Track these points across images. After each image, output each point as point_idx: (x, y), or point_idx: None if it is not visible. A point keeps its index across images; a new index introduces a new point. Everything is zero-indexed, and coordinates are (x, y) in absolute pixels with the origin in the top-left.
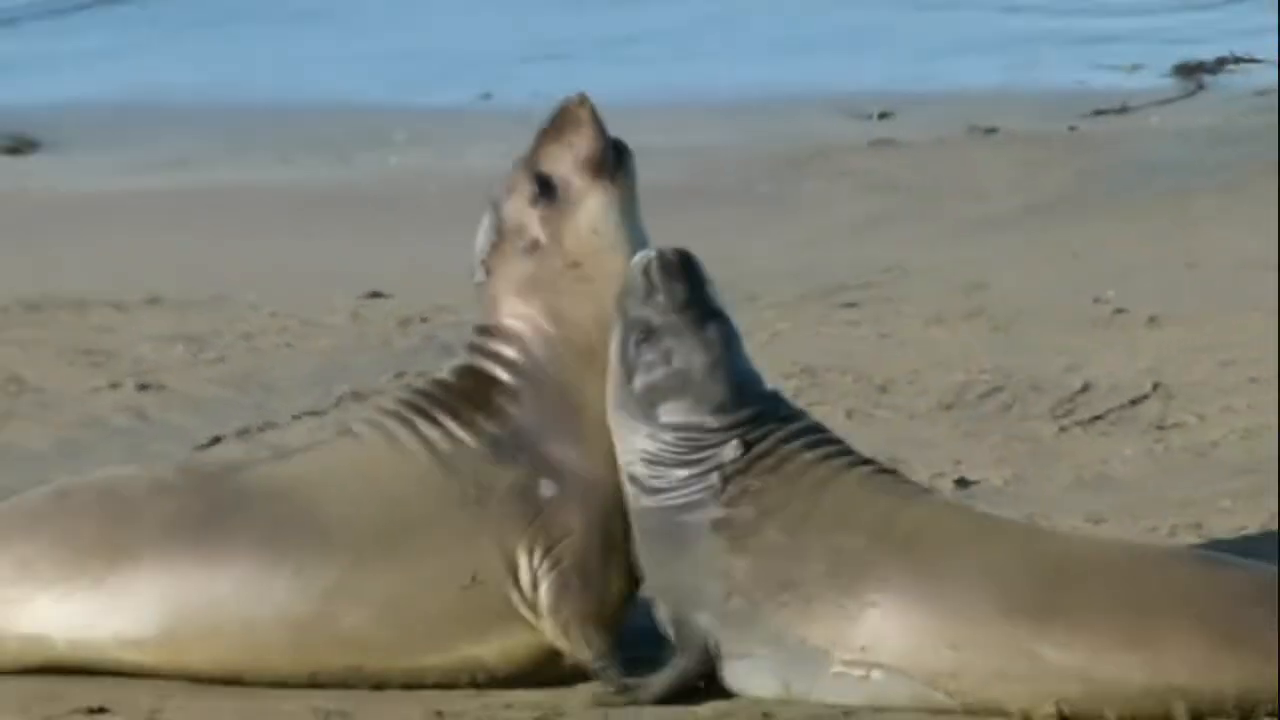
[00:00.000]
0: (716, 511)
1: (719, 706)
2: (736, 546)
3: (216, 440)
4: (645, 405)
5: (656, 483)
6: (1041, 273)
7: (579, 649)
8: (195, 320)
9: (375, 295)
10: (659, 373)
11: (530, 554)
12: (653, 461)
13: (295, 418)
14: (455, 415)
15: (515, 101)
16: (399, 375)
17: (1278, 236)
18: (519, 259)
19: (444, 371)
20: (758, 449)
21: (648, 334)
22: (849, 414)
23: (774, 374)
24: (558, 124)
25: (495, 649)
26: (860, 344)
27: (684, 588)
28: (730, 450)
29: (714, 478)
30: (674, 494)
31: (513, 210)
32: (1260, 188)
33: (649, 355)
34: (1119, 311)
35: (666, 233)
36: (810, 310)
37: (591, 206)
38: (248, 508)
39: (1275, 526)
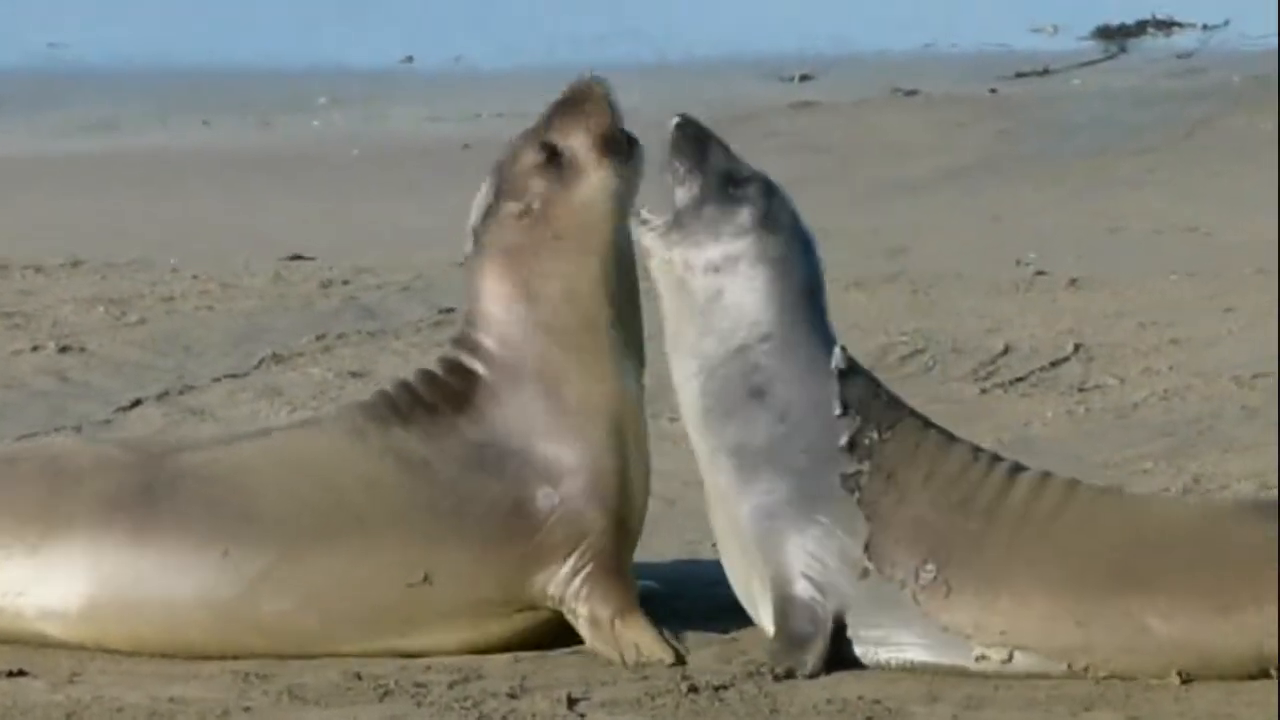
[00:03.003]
0: (847, 465)
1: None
2: (868, 508)
3: (137, 403)
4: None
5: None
6: (962, 236)
7: (628, 648)
8: (116, 283)
9: (296, 258)
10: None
11: (545, 566)
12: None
13: (216, 380)
14: (435, 417)
15: (437, 64)
16: (320, 337)
17: (1277, 208)
18: (508, 226)
19: (431, 363)
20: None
21: None
22: None
23: None
24: (574, 98)
25: (426, 644)
26: None
27: (801, 563)
28: (838, 358)
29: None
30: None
31: (515, 174)
32: (1180, 151)
33: None
34: (1039, 274)
35: None
36: None
37: (593, 182)
38: (185, 488)
39: (1195, 487)
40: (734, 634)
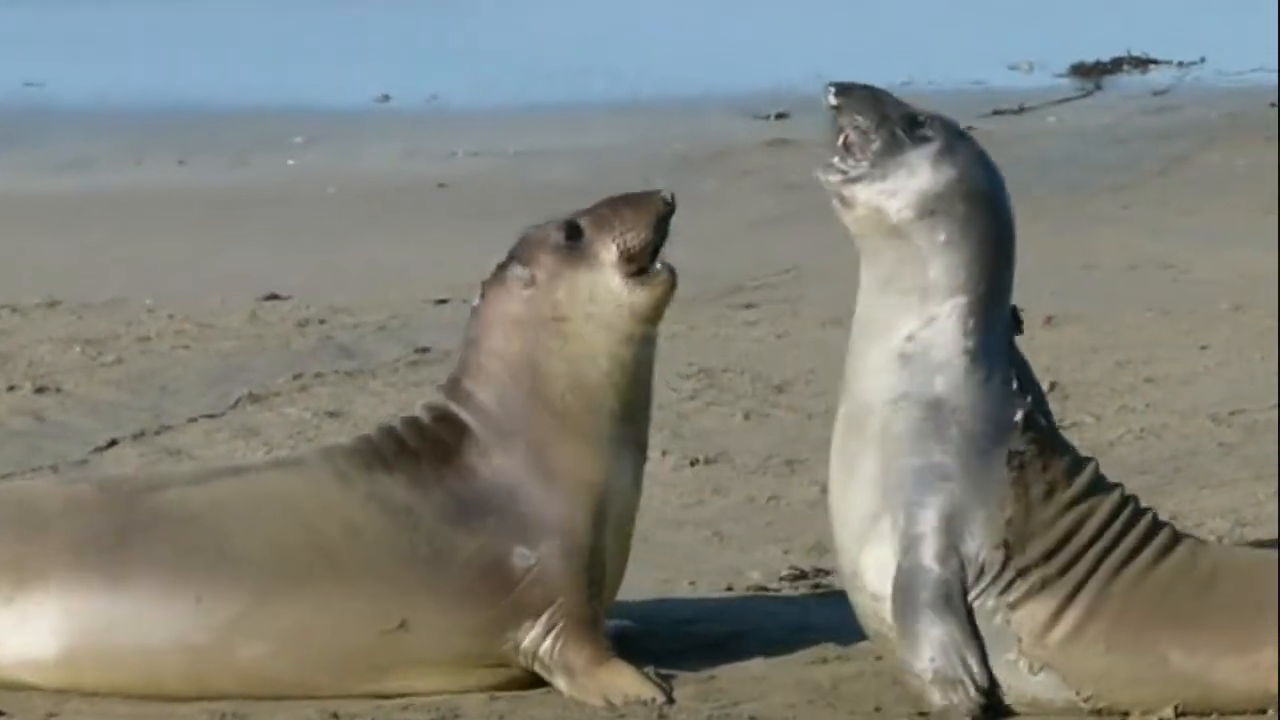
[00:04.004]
0: (1015, 440)
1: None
2: (1018, 489)
3: (113, 443)
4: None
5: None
6: None
7: (612, 692)
8: (93, 323)
9: (273, 297)
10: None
11: (519, 624)
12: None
13: (192, 420)
14: (419, 466)
15: (413, 103)
16: (296, 377)
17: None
18: (513, 290)
19: (419, 409)
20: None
21: None
22: (747, 415)
23: (672, 375)
24: (628, 200)
25: (401, 687)
26: (758, 345)
27: (947, 522)
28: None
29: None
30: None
31: (532, 240)
32: (1156, 188)
33: None
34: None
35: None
36: (708, 311)
37: (601, 280)
38: (158, 531)
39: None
40: (710, 673)
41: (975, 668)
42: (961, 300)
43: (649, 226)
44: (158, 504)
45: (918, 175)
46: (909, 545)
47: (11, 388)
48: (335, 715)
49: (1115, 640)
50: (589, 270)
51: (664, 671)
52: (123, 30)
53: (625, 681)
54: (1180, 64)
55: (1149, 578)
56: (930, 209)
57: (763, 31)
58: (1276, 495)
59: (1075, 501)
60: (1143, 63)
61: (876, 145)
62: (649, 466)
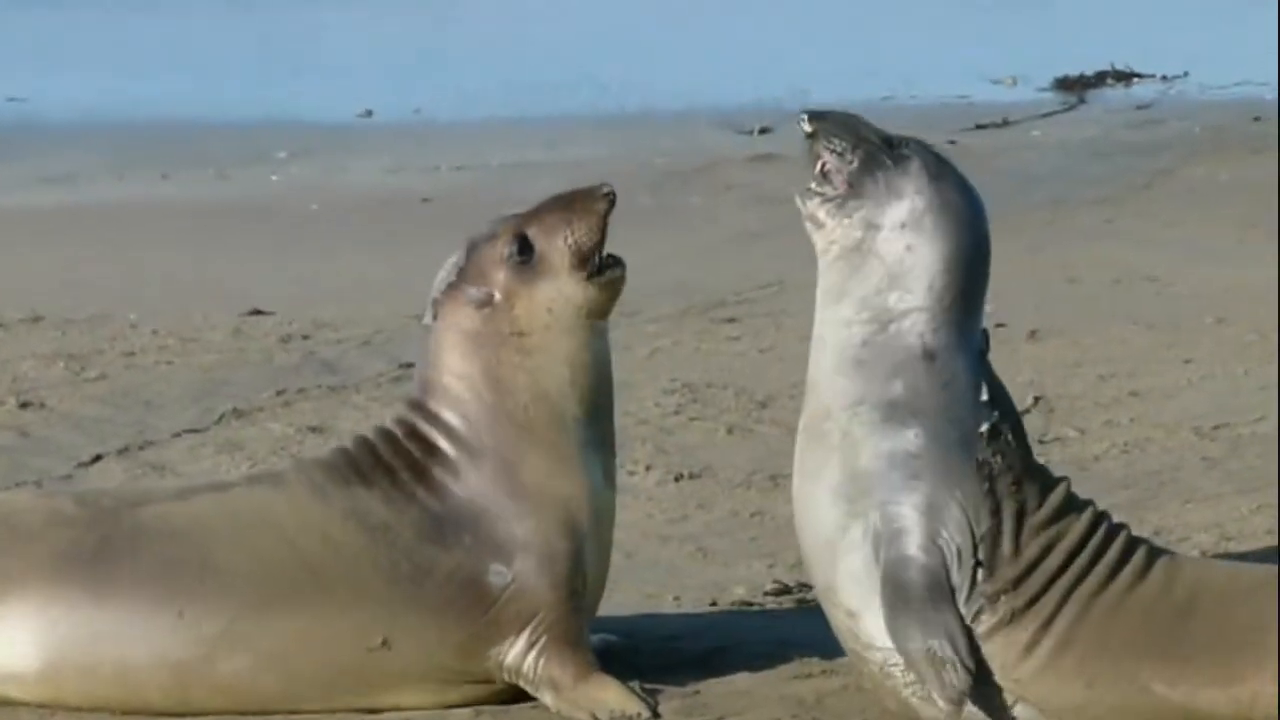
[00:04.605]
0: (984, 450)
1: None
2: (992, 503)
3: (98, 458)
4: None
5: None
6: None
7: (598, 707)
8: (76, 338)
9: (256, 312)
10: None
11: (501, 640)
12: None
13: (176, 435)
14: (394, 481)
15: (397, 118)
16: (280, 392)
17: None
18: (469, 309)
19: (390, 422)
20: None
21: None
22: (730, 429)
23: (655, 389)
24: (570, 201)
25: (386, 703)
26: (741, 359)
27: (931, 525)
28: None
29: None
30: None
31: (483, 257)
32: (1140, 202)
33: None
34: (999, 325)
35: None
36: (691, 325)
37: (559, 289)
38: (140, 545)
39: (1155, 539)
40: (695, 687)
41: (964, 651)
42: (924, 309)
43: (597, 227)
44: (140, 518)
45: (897, 194)
46: (891, 539)
47: None
48: None
49: (1094, 672)
50: (546, 283)
51: (649, 686)
52: (106, 44)
53: (611, 696)
54: (1164, 78)
55: (1125, 604)
56: (907, 226)
57: (747, 47)
58: (1277, 507)
59: (1045, 525)
60: (1126, 76)
61: (854, 166)
62: (633, 481)
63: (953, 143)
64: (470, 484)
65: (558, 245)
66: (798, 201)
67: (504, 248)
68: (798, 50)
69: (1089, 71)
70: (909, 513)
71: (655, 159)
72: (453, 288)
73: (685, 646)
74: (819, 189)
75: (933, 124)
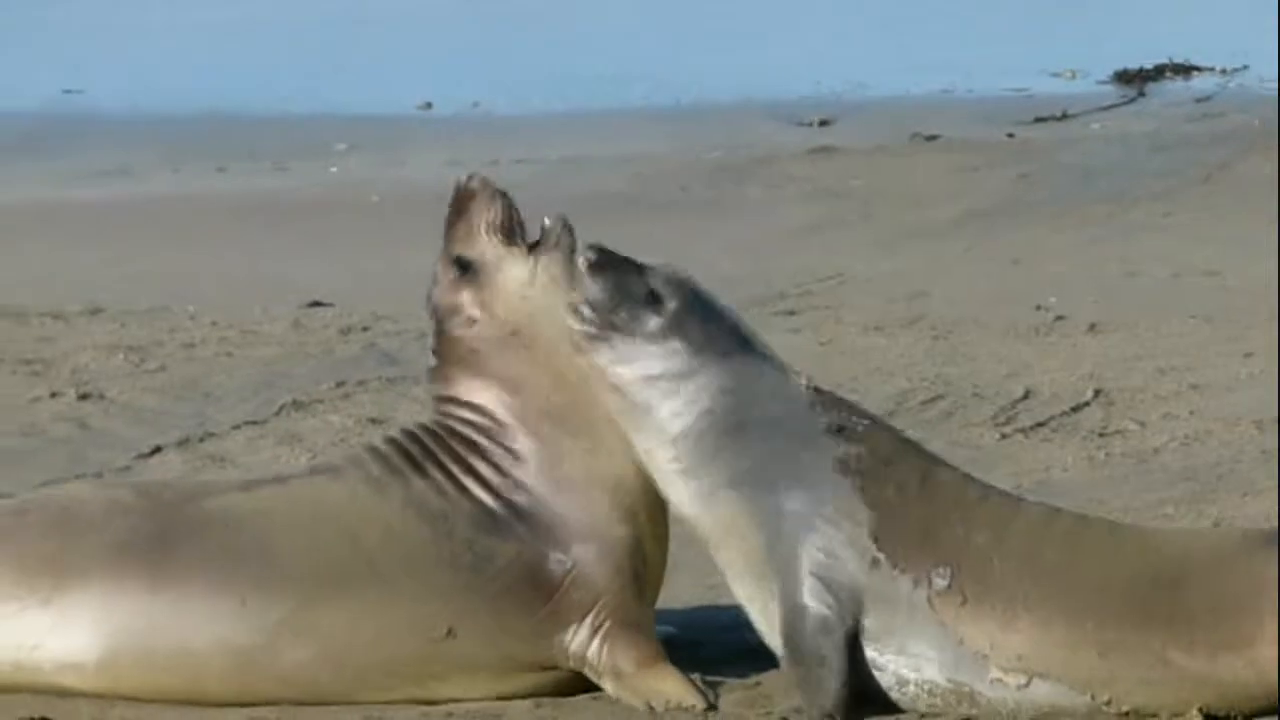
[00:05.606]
0: (837, 448)
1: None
2: (869, 495)
3: (157, 450)
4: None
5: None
6: (981, 280)
7: (655, 697)
8: (136, 330)
9: (316, 304)
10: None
11: (565, 627)
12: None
13: (236, 427)
14: (446, 473)
15: (456, 110)
16: (339, 384)
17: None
18: (463, 338)
19: (428, 419)
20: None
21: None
22: None
23: None
24: (456, 205)
25: (447, 693)
26: (800, 352)
27: (810, 561)
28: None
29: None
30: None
31: (442, 297)
32: (1199, 195)
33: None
34: (1059, 319)
35: (606, 241)
36: (750, 318)
37: (512, 273)
38: (201, 535)
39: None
40: (756, 679)
41: (833, 698)
42: (702, 415)
43: (488, 202)
44: (200, 509)
45: (647, 351)
46: (785, 595)
47: (54, 395)
48: None
49: (1107, 642)
50: (500, 275)
51: (710, 679)
52: (162, 37)
53: (669, 686)
54: (1223, 71)
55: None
56: (658, 376)
57: (805, 38)
58: (1277, 500)
59: (949, 493)
60: (1186, 70)
61: (615, 320)
62: None
63: (1011, 136)
64: (518, 480)
65: (482, 241)
66: (565, 319)
67: (448, 274)
68: (856, 42)
69: (1148, 64)
70: (788, 563)
71: (713, 152)
72: (440, 336)
73: (746, 638)
74: (582, 315)
75: (991, 117)
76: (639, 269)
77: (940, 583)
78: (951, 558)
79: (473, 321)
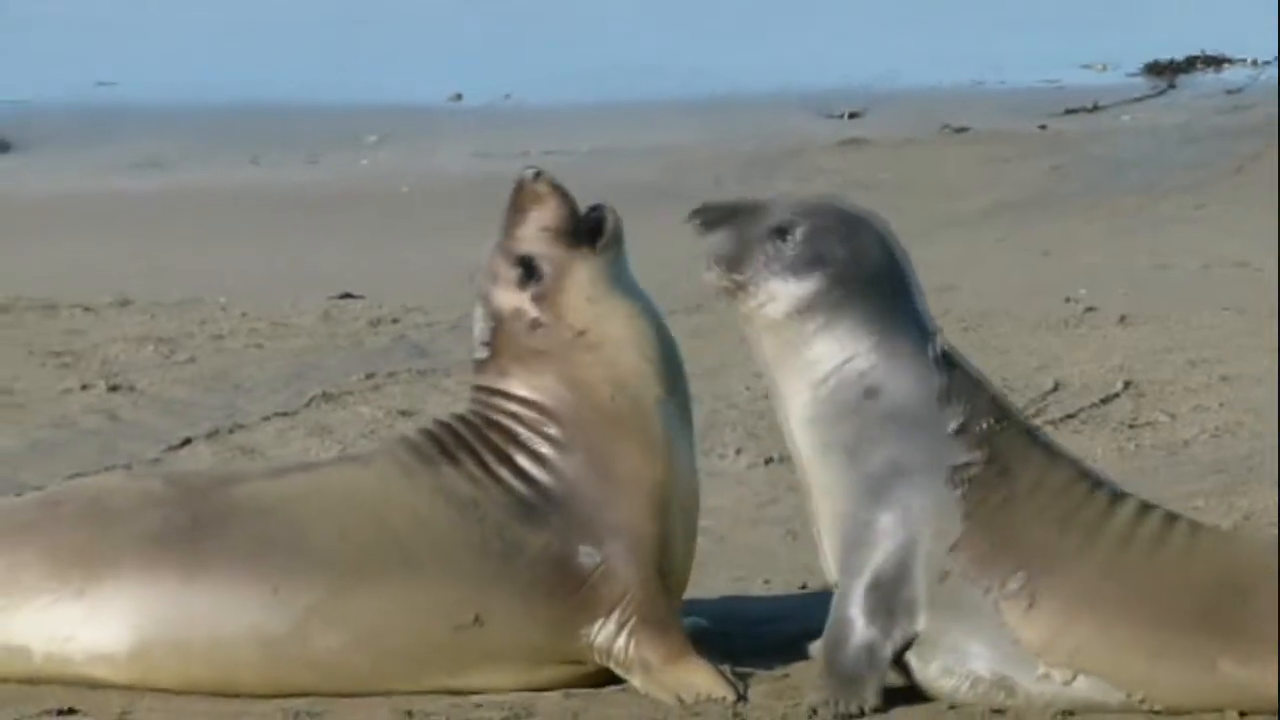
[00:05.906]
0: (955, 457)
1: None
2: (967, 506)
3: (187, 441)
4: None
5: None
6: (1012, 272)
7: (685, 689)
8: (165, 321)
9: (346, 296)
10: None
11: (592, 620)
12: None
13: (266, 418)
14: (479, 462)
15: (487, 102)
16: (369, 376)
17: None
18: (524, 337)
19: (464, 409)
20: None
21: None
22: None
23: (745, 374)
24: (521, 203)
25: (476, 683)
26: None
27: (881, 571)
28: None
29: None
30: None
31: (504, 299)
32: (1230, 187)
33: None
34: (1089, 310)
35: (637, 232)
36: None
37: (579, 278)
38: (232, 523)
39: (1245, 524)
40: (785, 670)
41: (864, 708)
42: (849, 361)
43: (556, 204)
44: (230, 497)
45: (788, 284)
46: (839, 601)
47: (85, 386)
48: (409, 714)
49: (1156, 645)
50: (566, 279)
51: (740, 670)
52: (194, 28)
53: (699, 679)
54: (1254, 62)
55: (1168, 576)
56: (807, 306)
57: (836, 30)
58: (1276, 495)
59: (1057, 497)
60: (1217, 61)
61: (750, 260)
62: (723, 465)
63: (1043, 127)
64: (558, 472)
65: (545, 243)
66: (705, 275)
67: (513, 276)
68: (887, 34)
69: (1179, 56)
70: (863, 572)
71: (744, 143)
72: (496, 332)
73: (775, 630)
74: (719, 276)
75: (1022, 109)
76: (752, 209)
77: (1012, 586)
78: (1031, 562)
79: (538, 324)
